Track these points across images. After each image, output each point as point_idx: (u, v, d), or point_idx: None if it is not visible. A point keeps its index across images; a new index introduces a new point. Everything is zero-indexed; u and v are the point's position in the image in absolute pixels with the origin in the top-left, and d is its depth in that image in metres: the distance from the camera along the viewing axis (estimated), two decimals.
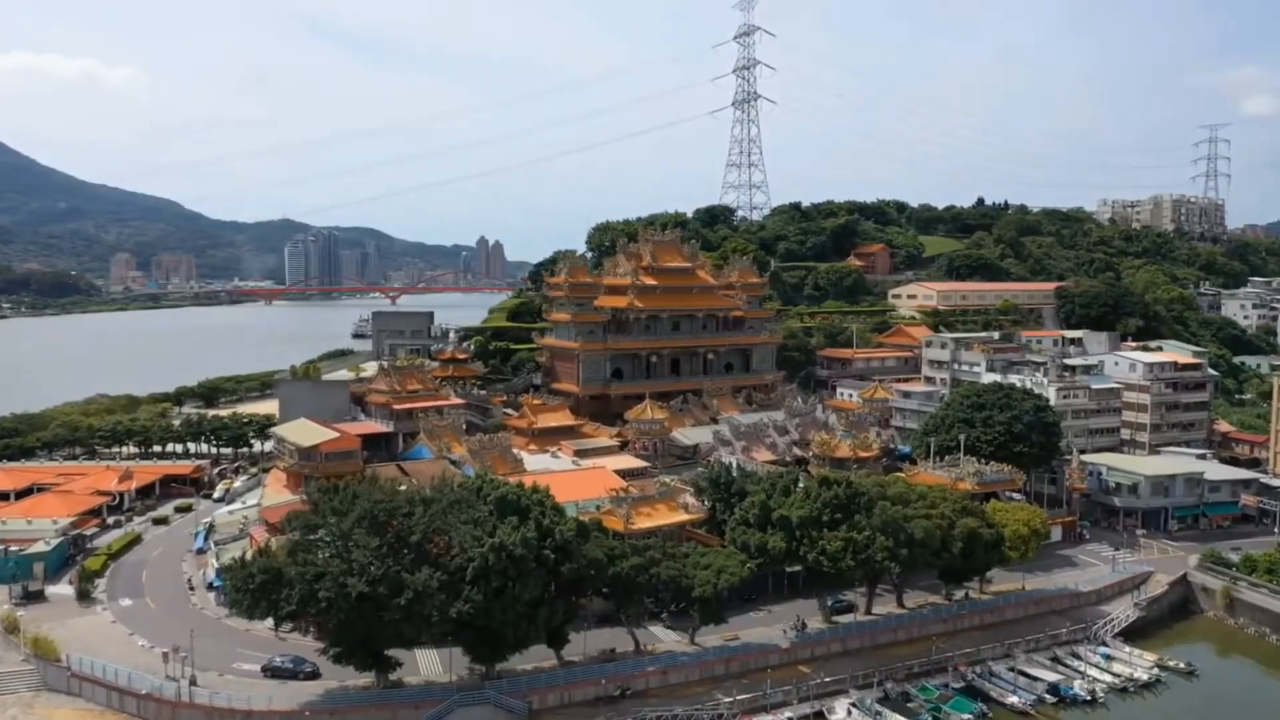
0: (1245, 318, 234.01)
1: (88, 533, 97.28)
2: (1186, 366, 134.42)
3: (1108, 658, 77.73)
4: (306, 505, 65.89)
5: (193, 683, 64.07)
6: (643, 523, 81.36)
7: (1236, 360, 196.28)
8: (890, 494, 78.49)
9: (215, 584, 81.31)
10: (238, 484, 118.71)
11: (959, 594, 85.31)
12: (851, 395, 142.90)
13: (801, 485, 78.63)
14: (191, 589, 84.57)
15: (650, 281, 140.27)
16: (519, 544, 61.61)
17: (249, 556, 64.22)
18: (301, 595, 58.54)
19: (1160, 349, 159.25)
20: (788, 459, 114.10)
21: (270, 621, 67.27)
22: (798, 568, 78.92)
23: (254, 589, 58.73)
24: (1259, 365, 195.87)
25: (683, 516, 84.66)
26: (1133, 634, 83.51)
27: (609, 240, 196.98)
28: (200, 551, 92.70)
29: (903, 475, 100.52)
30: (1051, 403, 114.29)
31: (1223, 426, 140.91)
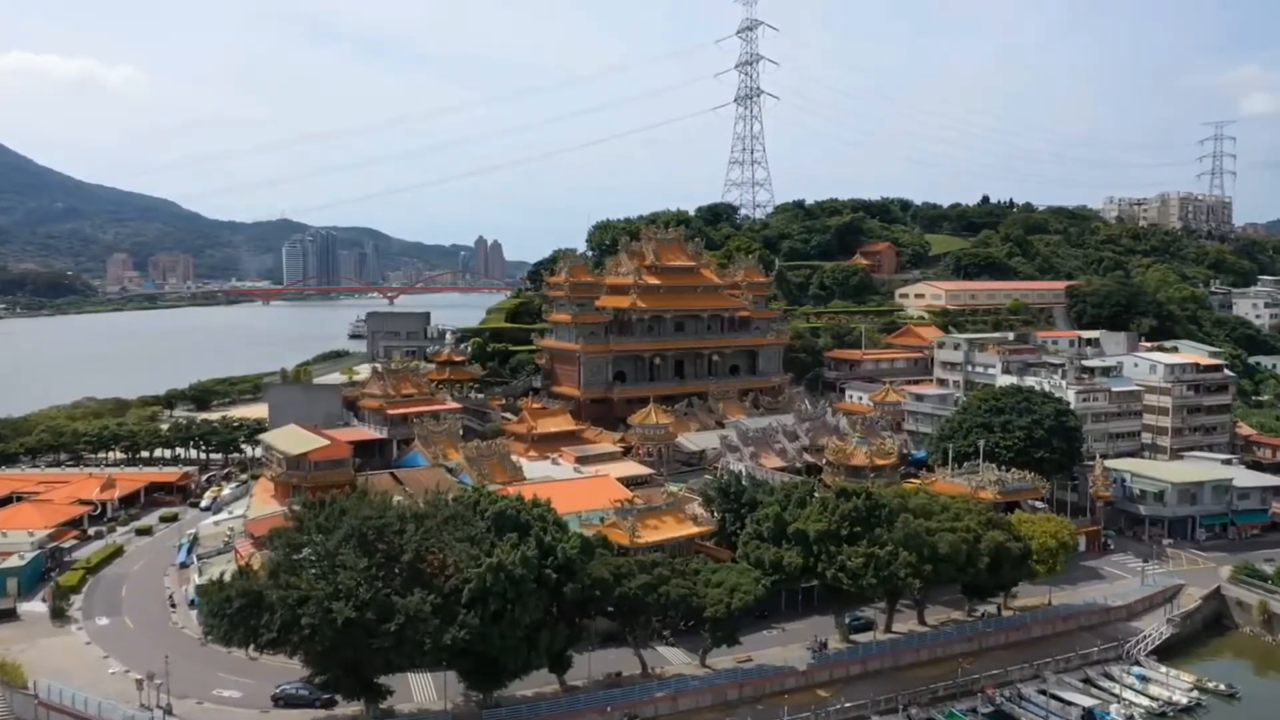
0: (1257, 316, 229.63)
1: (66, 545, 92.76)
2: (1208, 368, 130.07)
3: (1143, 679, 73.30)
4: (290, 521, 61.44)
5: (168, 712, 59.72)
6: (649, 536, 76.99)
7: (1252, 360, 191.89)
8: (912, 505, 74.03)
9: (197, 601, 76.87)
10: (226, 492, 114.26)
11: (984, 610, 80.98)
12: (861, 398, 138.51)
13: (818, 496, 74.13)
14: (173, 606, 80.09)
15: (653, 281, 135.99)
16: (519, 563, 57.23)
17: (228, 576, 59.76)
18: (283, 621, 54.09)
19: (1175, 349, 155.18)
20: (798, 465, 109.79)
21: None
22: (813, 583, 74.48)
23: (231, 614, 54.25)
24: (1274, 365, 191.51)
25: (691, 529, 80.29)
26: (1166, 652, 79.11)
27: (610, 239, 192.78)
28: (184, 565, 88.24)
29: (921, 484, 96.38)
30: (1071, 406, 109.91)
31: (1244, 430, 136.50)
